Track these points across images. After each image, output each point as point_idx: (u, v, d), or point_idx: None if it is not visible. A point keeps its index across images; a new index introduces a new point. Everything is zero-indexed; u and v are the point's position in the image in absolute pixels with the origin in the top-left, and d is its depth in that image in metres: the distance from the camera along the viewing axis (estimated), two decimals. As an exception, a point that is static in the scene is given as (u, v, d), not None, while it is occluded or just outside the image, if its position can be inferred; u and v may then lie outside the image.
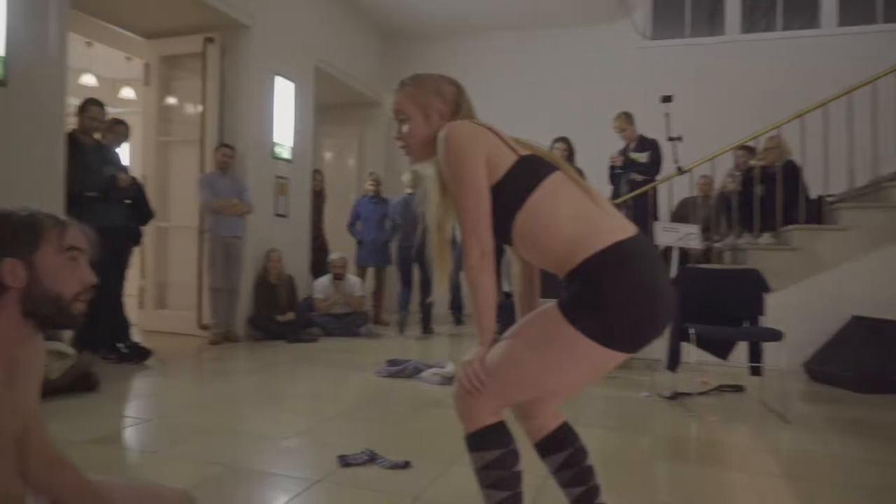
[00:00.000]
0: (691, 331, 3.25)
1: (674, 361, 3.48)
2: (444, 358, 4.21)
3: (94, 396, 3.22)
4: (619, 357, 1.33)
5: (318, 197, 6.71)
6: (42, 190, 3.59)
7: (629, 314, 1.27)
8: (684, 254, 4.91)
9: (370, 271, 6.68)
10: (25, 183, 3.49)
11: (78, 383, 3.24)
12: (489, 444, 1.36)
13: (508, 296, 5.41)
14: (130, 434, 2.71)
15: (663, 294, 1.31)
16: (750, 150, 5.12)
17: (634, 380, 4.02)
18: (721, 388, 3.70)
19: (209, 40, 5.38)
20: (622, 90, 6.71)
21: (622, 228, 1.33)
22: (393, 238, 6.35)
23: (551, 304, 1.35)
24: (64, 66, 3.78)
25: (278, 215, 5.89)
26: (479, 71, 7.66)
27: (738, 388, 3.71)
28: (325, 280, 5.87)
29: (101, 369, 3.59)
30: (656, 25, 7.32)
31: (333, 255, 6.00)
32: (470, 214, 1.34)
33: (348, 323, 5.73)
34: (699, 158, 4.91)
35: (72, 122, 4.10)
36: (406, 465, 2.24)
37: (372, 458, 2.28)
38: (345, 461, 2.24)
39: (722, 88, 6.69)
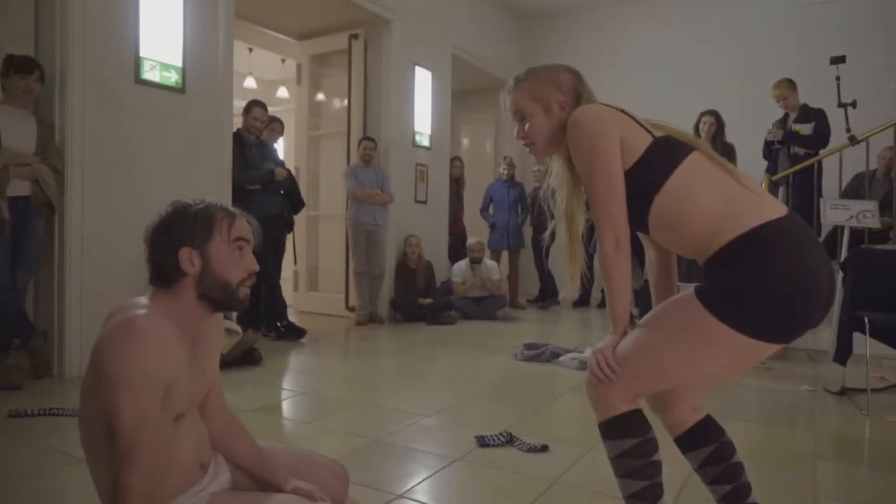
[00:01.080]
0: (866, 319, 2.91)
1: (843, 353, 3.12)
2: (581, 343, 4.13)
3: (258, 370, 3.55)
4: (765, 348, 1.23)
5: (457, 184, 6.84)
6: (212, 184, 4.00)
7: (776, 301, 1.17)
8: (856, 235, 4.38)
9: (504, 255, 6.73)
10: (199, 178, 3.91)
11: (244, 358, 3.60)
12: (624, 433, 1.32)
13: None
14: (288, 405, 2.97)
15: (818, 279, 1.18)
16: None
17: (795, 371, 3.69)
18: (902, 385, 3.29)
19: (354, 37, 5.66)
20: (777, 55, 6.12)
21: (770, 209, 1.22)
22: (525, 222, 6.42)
23: (689, 290, 1.27)
24: (230, 72, 4.16)
25: (418, 202, 6.09)
26: (615, 44, 7.38)
27: (923, 386, 3.27)
28: (462, 264, 5.99)
29: (263, 346, 3.95)
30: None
31: (471, 240, 6.09)
32: (604, 201, 1.30)
33: (485, 306, 5.80)
34: (877, 126, 4.35)
35: (237, 123, 4.51)
36: (544, 448, 2.23)
37: (510, 440, 2.30)
38: (483, 442, 2.28)
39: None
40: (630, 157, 1.30)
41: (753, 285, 1.18)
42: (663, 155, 1.30)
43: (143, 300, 1.25)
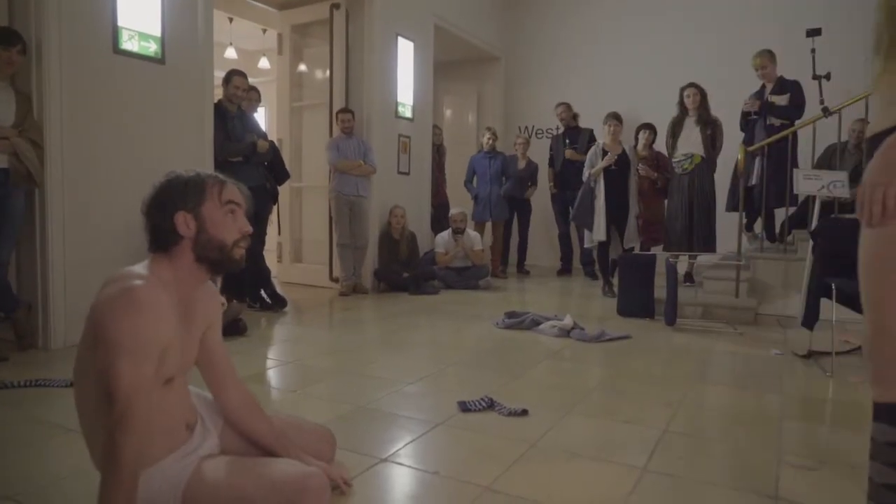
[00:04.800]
0: (833, 286, 3.02)
1: (811, 318, 3.24)
2: (561, 311, 4.23)
3: (243, 340, 3.60)
4: None
5: (438, 152, 6.85)
6: (194, 155, 3.97)
7: None
8: (827, 205, 4.50)
9: (487, 226, 6.80)
10: (180, 149, 3.89)
11: (230, 328, 3.63)
12: None
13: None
14: (274, 374, 3.02)
15: None
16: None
17: (765, 336, 3.82)
18: (866, 349, 3.42)
19: (335, 6, 5.58)
20: (755, 28, 6.19)
21: None
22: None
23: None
24: (210, 42, 4.10)
25: (401, 173, 6.10)
26: (597, 18, 7.40)
27: (886, 350, 3.41)
28: (445, 235, 6.04)
29: (248, 316, 3.99)
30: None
31: (454, 210, 6.13)
32: None
33: (468, 276, 5.88)
34: (848, 99, 4.43)
35: (217, 93, 4.47)
36: (524, 412, 2.31)
37: (490, 405, 2.38)
38: (465, 407, 2.36)
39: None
40: None
41: None
42: None
43: (140, 268, 1.30)
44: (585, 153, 5.69)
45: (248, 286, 4.55)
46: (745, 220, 4.92)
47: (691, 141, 5.03)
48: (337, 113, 5.45)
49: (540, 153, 7.12)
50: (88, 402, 1.28)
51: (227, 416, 1.50)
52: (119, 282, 1.24)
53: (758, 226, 5.09)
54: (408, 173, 6.19)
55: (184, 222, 1.31)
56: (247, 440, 1.50)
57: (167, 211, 1.31)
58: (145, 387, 1.19)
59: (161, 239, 1.32)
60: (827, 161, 5.07)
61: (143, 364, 1.18)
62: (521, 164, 6.79)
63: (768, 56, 4.92)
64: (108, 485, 1.14)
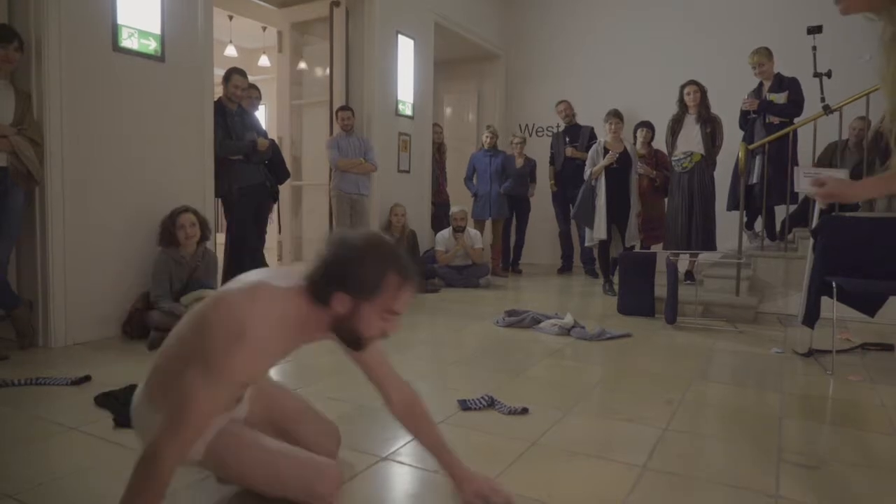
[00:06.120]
0: (833, 284, 3.02)
1: (812, 316, 3.24)
2: (562, 309, 4.22)
3: (244, 339, 3.59)
4: None
5: (439, 150, 6.85)
6: (194, 153, 3.98)
7: None
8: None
9: (487, 224, 6.80)
10: (180, 147, 3.89)
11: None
12: None
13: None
14: (273, 373, 3.01)
15: None
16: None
17: (765, 335, 3.82)
18: (865, 347, 3.43)
19: (335, 4, 5.58)
20: (754, 25, 6.17)
21: None
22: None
23: None
24: (210, 39, 4.10)
25: (401, 171, 6.10)
26: (598, 15, 7.39)
27: (886, 347, 3.41)
28: (446, 233, 6.04)
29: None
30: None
31: (454, 209, 6.13)
32: None
33: (468, 274, 5.88)
34: (849, 97, 4.42)
35: (217, 91, 4.47)
36: (524, 411, 2.31)
37: (491, 404, 2.38)
38: (465, 405, 2.36)
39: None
40: None
41: None
42: None
43: (282, 289, 1.27)
44: (586, 151, 5.68)
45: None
46: (745, 219, 4.91)
47: (691, 139, 5.02)
48: (337, 111, 5.45)
49: (540, 151, 7.12)
50: (164, 385, 1.29)
51: (394, 415, 1.55)
52: (258, 292, 1.24)
53: (758, 224, 5.09)
54: (408, 171, 6.19)
55: (340, 302, 1.26)
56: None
57: (332, 284, 1.25)
58: (213, 413, 1.21)
59: (315, 290, 1.27)
60: (828, 159, 5.06)
61: (222, 392, 1.20)
62: (519, 163, 6.79)
63: (765, 53, 4.91)
64: (140, 480, 1.16)
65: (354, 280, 1.24)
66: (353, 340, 1.33)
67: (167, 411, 1.19)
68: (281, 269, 1.34)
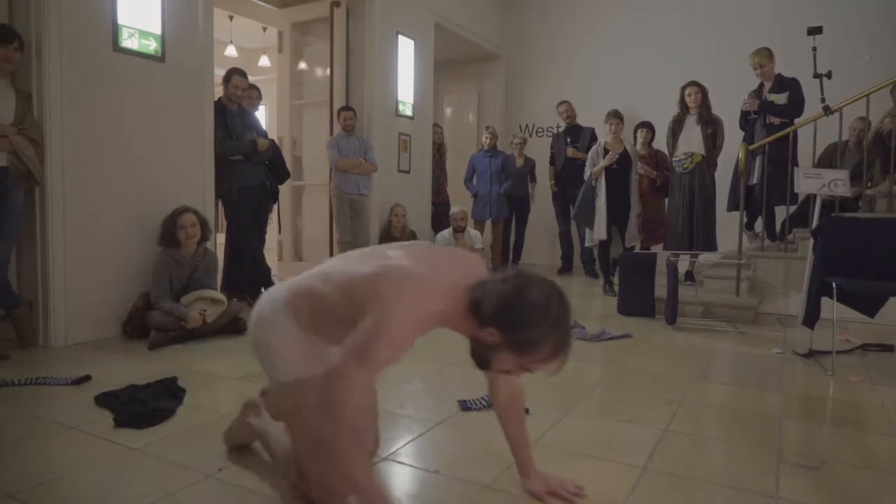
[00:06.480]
0: (833, 285, 3.02)
1: (812, 317, 3.24)
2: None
3: (243, 339, 3.59)
4: None
5: (439, 151, 6.85)
6: (194, 154, 3.98)
7: None
8: (828, 203, 4.51)
9: (487, 224, 6.80)
10: (180, 147, 3.89)
11: (229, 327, 3.64)
12: None
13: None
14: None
15: None
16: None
17: (766, 335, 3.82)
18: (866, 347, 3.42)
19: (336, 4, 5.58)
20: (755, 26, 6.17)
21: None
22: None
23: None
24: (211, 39, 4.10)
25: (401, 171, 6.10)
26: (598, 16, 7.40)
27: (886, 348, 3.41)
28: (445, 233, 6.03)
29: (248, 314, 3.98)
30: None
31: (454, 209, 6.13)
32: None
33: (469, 275, 5.86)
34: (850, 97, 4.42)
35: (218, 92, 4.47)
36: (525, 411, 2.31)
37: (491, 404, 2.37)
38: (465, 406, 2.36)
39: (879, 16, 5.91)
40: None
41: None
42: None
43: (442, 282, 1.34)
44: (586, 151, 5.68)
45: (248, 285, 4.54)
46: (745, 219, 4.91)
47: (692, 140, 5.02)
48: (339, 111, 5.45)
49: (540, 151, 7.12)
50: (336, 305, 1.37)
51: (496, 404, 1.63)
52: (424, 279, 1.32)
53: (758, 224, 5.09)
54: (408, 172, 6.19)
55: (491, 335, 1.30)
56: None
57: (496, 320, 1.28)
58: (397, 350, 1.28)
59: (479, 310, 1.30)
60: (828, 160, 5.06)
61: (407, 337, 1.28)
62: (519, 163, 6.79)
63: (766, 53, 4.91)
64: (328, 423, 1.24)
65: (517, 334, 1.28)
66: (481, 361, 1.38)
67: (351, 341, 1.25)
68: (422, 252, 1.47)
